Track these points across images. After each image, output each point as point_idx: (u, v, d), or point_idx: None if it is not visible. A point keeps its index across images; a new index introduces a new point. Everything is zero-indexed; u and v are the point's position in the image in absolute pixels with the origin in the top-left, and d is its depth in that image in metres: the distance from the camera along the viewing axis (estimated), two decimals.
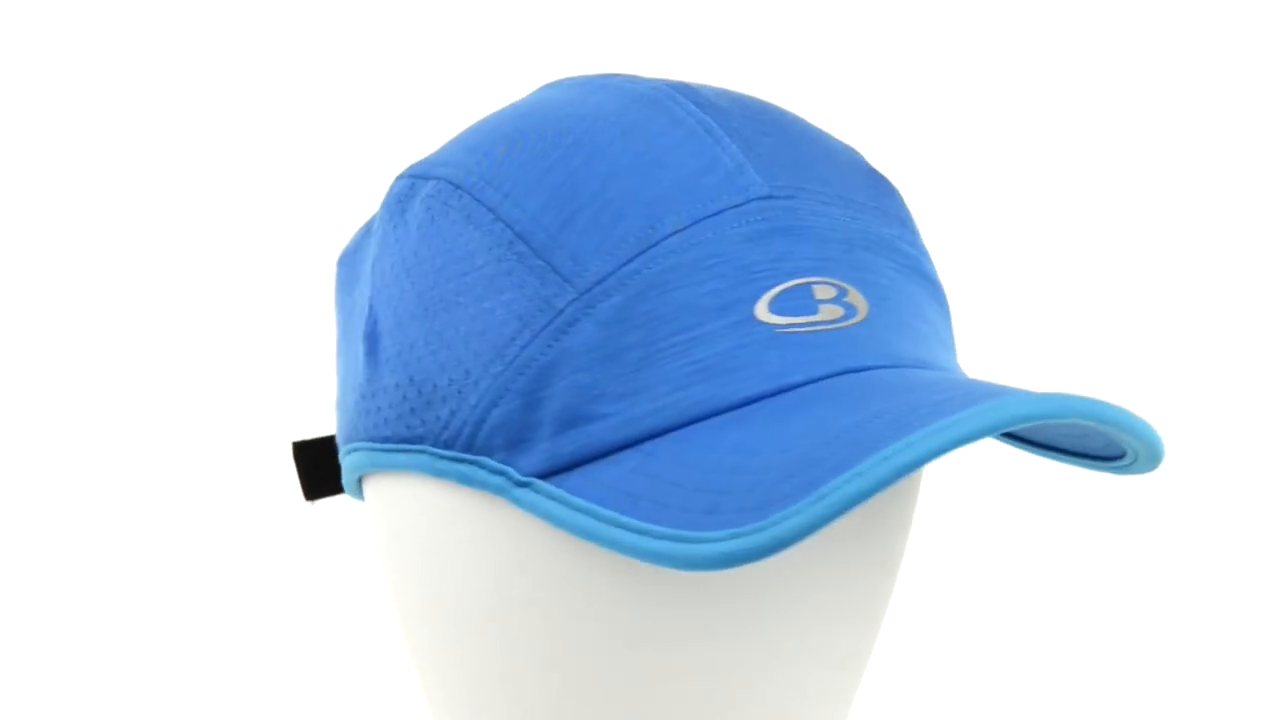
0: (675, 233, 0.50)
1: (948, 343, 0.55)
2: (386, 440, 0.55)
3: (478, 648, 0.55)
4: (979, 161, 1.17)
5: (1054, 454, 0.56)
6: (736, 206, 0.51)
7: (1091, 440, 0.53)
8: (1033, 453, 0.57)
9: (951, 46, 1.18)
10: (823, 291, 0.50)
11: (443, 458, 0.52)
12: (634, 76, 0.58)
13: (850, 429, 0.44)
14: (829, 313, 0.50)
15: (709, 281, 0.49)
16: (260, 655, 1.04)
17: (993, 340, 1.13)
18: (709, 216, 0.50)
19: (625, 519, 0.46)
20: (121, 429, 1.14)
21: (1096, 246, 1.17)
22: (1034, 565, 1.09)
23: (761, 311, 0.49)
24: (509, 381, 0.50)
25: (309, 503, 0.65)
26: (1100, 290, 1.17)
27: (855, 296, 0.50)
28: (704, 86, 0.57)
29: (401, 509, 0.56)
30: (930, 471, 0.62)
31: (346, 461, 0.59)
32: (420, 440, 0.53)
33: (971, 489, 1.05)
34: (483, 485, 0.51)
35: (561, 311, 0.50)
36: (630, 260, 0.50)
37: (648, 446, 0.48)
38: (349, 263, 0.62)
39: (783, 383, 0.49)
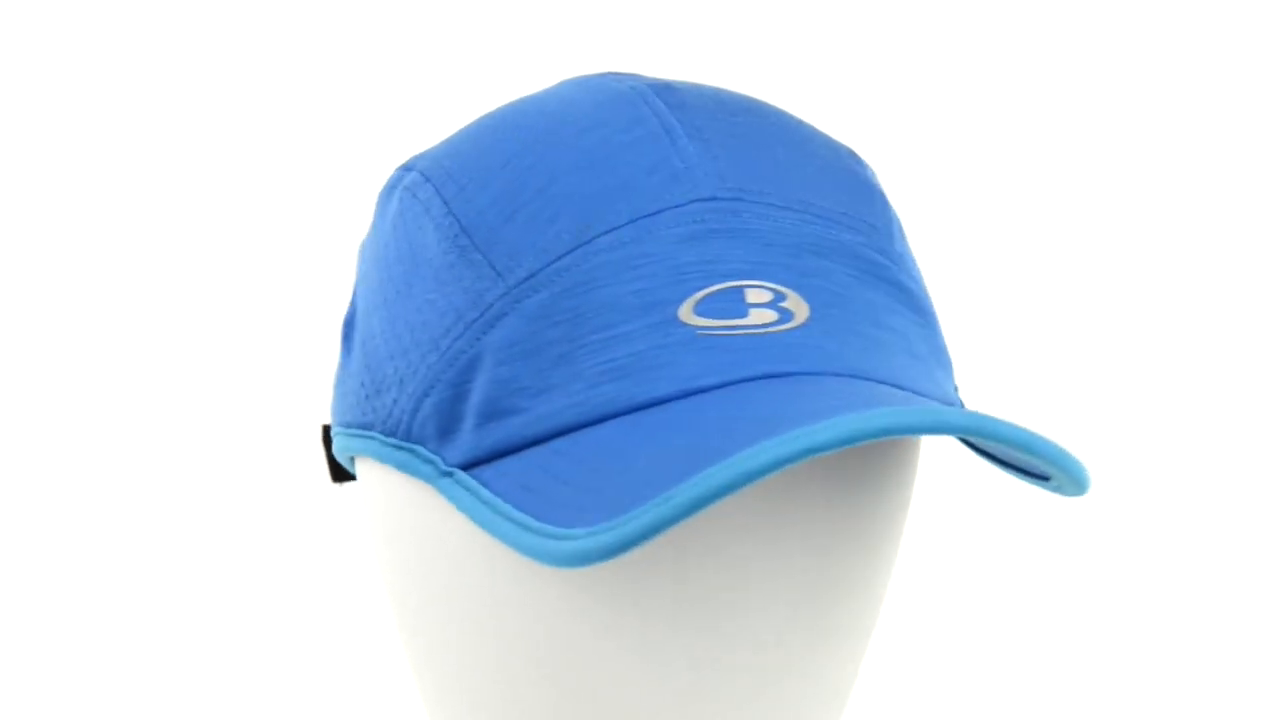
0: (608, 231, 0.50)
1: (924, 354, 0.53)
2: (350, 425, 0.57)
3: (436, 633, 0.56)
4: (981, 163, 1.17)
5: (1009, 470, 0.54)
6: (676, 207, 0.50)
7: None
8: (994, 466, 0.55)
9: (959, 47, 1.18)
10: (756, 295, 0.49)
11: (386, 444, 0.54)
12: (626, 75, 0.58)
13: (721, 433, 0.44)
14: (760, 316, 0.49)
15: (636, 281, 0.49)
16: (261, 651, 1.05)
17: (993, 341, 1.14)
18: (645, 216, 0.50)
19: (515, 513, 0.46)
20: (123, 425, 1.14)
21: (1095, 249, 1.18)
22: (1032, 565, 1.09)
23: (685, 313, 0.49)
24: (440, 372, 0.51)
25: (335, 484, 0.66)
26: (1100, 291, 1.17)
27: (795, 301, 0.50)
28: (690, 86, 0.57)
29: (367, 491, 0.58)
30: (927, 471, 0.62)
31: (334, 444, 0.61)
32: (371, 426, 0.55)
33: (970, 488, 1.05)
34: (416, 473, 0.52)
35: (491, 306, 0.50)
36: (561, 257, 0.50)
37: (556, 443, 0.48)
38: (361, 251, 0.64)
39: (694, 385, 0.48)
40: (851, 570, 0.54)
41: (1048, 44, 1.18)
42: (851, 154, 0.58)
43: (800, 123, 0.57)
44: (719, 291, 0.49)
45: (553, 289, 0.50)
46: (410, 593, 0.56)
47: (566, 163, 0.52)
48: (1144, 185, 1.18)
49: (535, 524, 0.45)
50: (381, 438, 0.54)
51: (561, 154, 0.53)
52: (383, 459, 0.54)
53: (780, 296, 0.49)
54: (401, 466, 0.53)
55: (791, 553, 0.52)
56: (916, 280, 0.54)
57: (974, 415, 0.43)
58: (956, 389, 0.57)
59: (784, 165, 0.53)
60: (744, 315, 0.49)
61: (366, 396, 0.55)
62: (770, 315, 0.49)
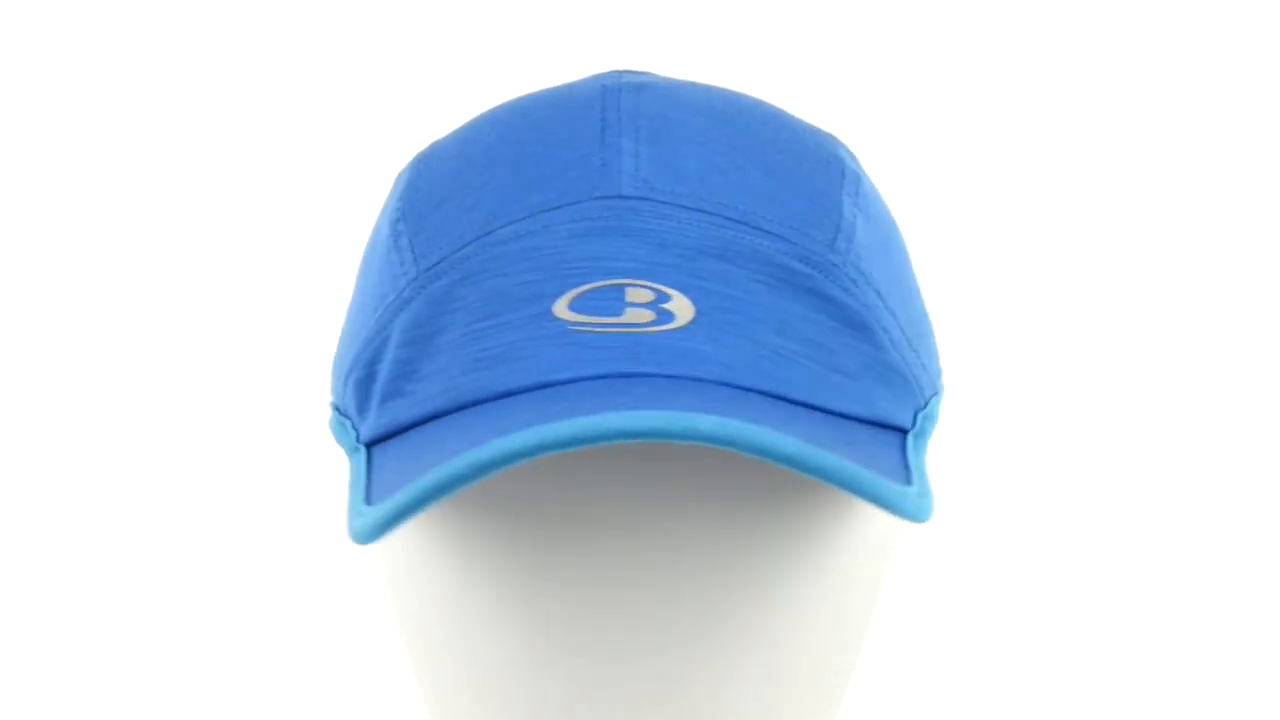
0: (511, 223, 0.51)
1: (854, 370, 0.51)
2: (331, 403, 0.59)
3: (399, 619, 0.58)
4: (982, 162, 1.17)
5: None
6: (579, 202, 0.50)
7: None
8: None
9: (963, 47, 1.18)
10: (637, 295, 0.49)
11: (334, 418, 0.57)
12: (628, 72, 0.58)
13: (502, 428, 0.44)
14: (636, 316, 0.49)
15: (525, 273, 0.50)
16: (263, 650, 1.05)
17: (993, 341, 1.14)
18: (549, 210, 0.50)
19: (360, 491, 0.49)
20: (124, 423, 1.14)
21: (1094, 249, 1.17)
22: (1031, 565, 1.09)
23: (560, 307, 0.49)
24: (359, 352, 0.54)
25: None
26: (1097, 292, 1.17)
27: (679, 303, 0.49)
28: (674, 86, 0.56)
29: None
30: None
31: None
32: (335, 405, 0.58)
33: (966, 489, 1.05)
34: (344, 446, 0.55)
35: (402, 291, 0.53)
36: (466, 245, 0.51)
37: (425, 426, 0.50)
38: None
39: (547, 379, 0.48)
40: (733, 616, 0.52)
41: (1047, 43, 1.18)
42: (826, 157, 0.55)
43: (779, 126, 0.56)
44: (599, 288, 0.49)
45: (452, 276, 0.51)
46: (376, 572, 0.59)
47: (503, 156, 0.53)
48: (1143, 185, 1.18)
49: (358, 504, 0.47)
50: (335, 412, 0.57)
51: (504, 148, 0.54)
52: (335, 436, 0.57)
53: (663, 297, 0.49)
54: (338, 440, 0.56)
55: (667, 578, 0.52)
56: (856, 292, 0.52)
57: (728, 424, 0.41)
58: (924, 411, 0.54)
59: (717, 168, 0.52)
60: (619, 314, 0.49)
61: (333, 376, 0.58)
62: (647, 315, 0.49)
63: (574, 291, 0.49)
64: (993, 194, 1.17)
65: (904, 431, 0.52)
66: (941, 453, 0.64)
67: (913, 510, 0.44)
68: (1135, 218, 1.17)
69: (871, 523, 0.55)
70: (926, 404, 0.55)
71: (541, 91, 0.58)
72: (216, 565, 1.09)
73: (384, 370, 0.53)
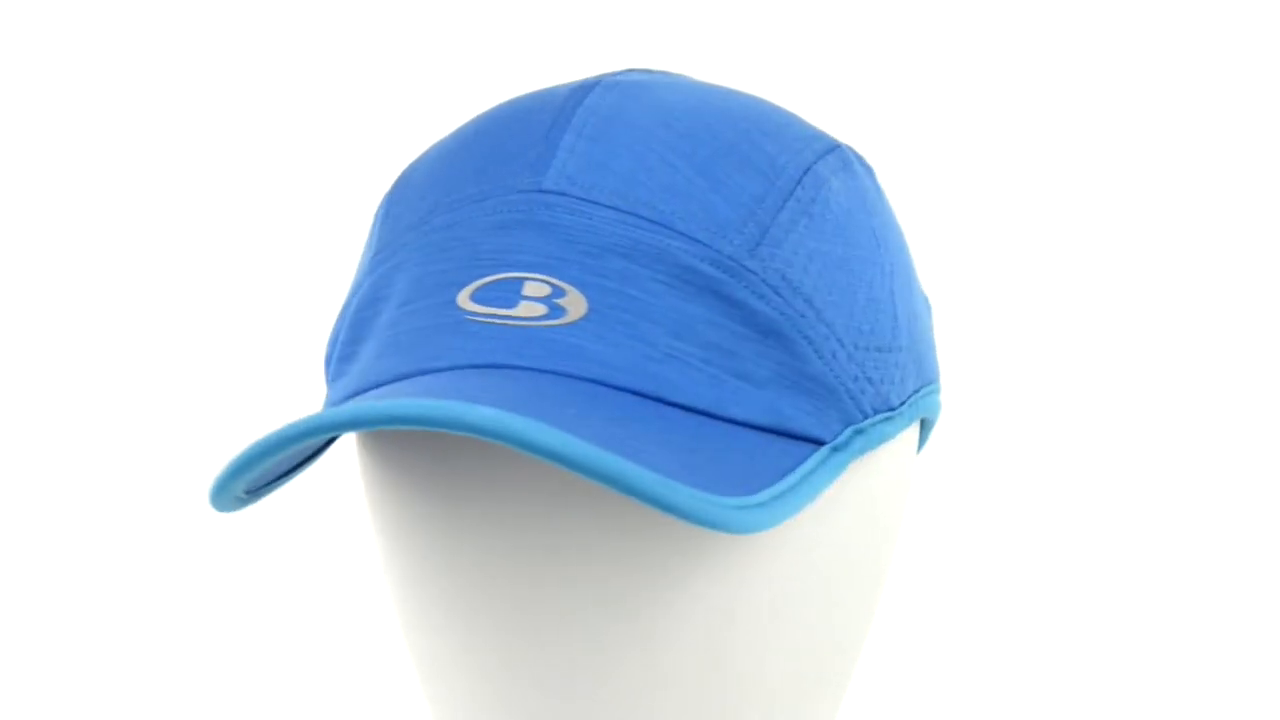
0: (445, 212, 0.52)
1: (761, 377, 0.50)
2: None
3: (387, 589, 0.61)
4: (982, 162, 1.17)
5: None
6: (503, 195, 0.51)
7: None
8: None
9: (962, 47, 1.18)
10: (534, 289, 0.49)
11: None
12: (617, 71, 0.59)
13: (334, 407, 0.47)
14: (528, 310, 0.49)
15: (442, 262, 0.51)
16: (271, 647, 1.05)
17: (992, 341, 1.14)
18: (477, 201, 0.52)
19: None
20: (126, 422, 1.15)
21: (1091, 250, 1.18)
22: (1030, 565, 1.09)
23: (463, 298, 0.50)
24: (334, 333, 0.57)
25: None
26: (1096, 293, 1.17)
27: (573, 299, 0.49)
28: (650, 84, 0.56)
29: None
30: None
31: None
32: None
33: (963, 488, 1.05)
34: None
35: (361, 278, 0.55)
36: (407, 232, 0.53)
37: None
38: None
39: (430, 365, 0.50)
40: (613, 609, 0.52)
41: (1046, 42, 1.18)
42: (780, 165, 0.54)
43: (746, 132, 0.54)
44: (499, 281, 0.50)
45: (392, 262, 0.53)
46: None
47: (465, 148, 0.55)
48: (1142, 184, 1.18)
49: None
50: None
51: (472, 141, 0.55)
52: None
53: (559, 293, 0.49)
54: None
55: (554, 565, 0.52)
56: (774, 300, 0.51)
57: (502, 419, 0.41)
58: (860, 426, 0.53)
59: (648, 167, 0.51)
60: (513, 306, 0.49)
61: None
62: (539, 309, 0.49)
63: (478, 283, 0.50)
64: (992, 195, 1.17)
65: (819, 443, 0.51)
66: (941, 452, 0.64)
67: (717, 520, 0.43)
68: (1132, 218, 1.17)
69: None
70: (868, 418, 0.53)
71: (534, 91, 0.59)
72: (219, 564, 1.09)
73: (338, 349, 0.56)
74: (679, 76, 0.60)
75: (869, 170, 0.59)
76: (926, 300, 0.61)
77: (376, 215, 0.57)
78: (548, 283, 0.49)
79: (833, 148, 0.57)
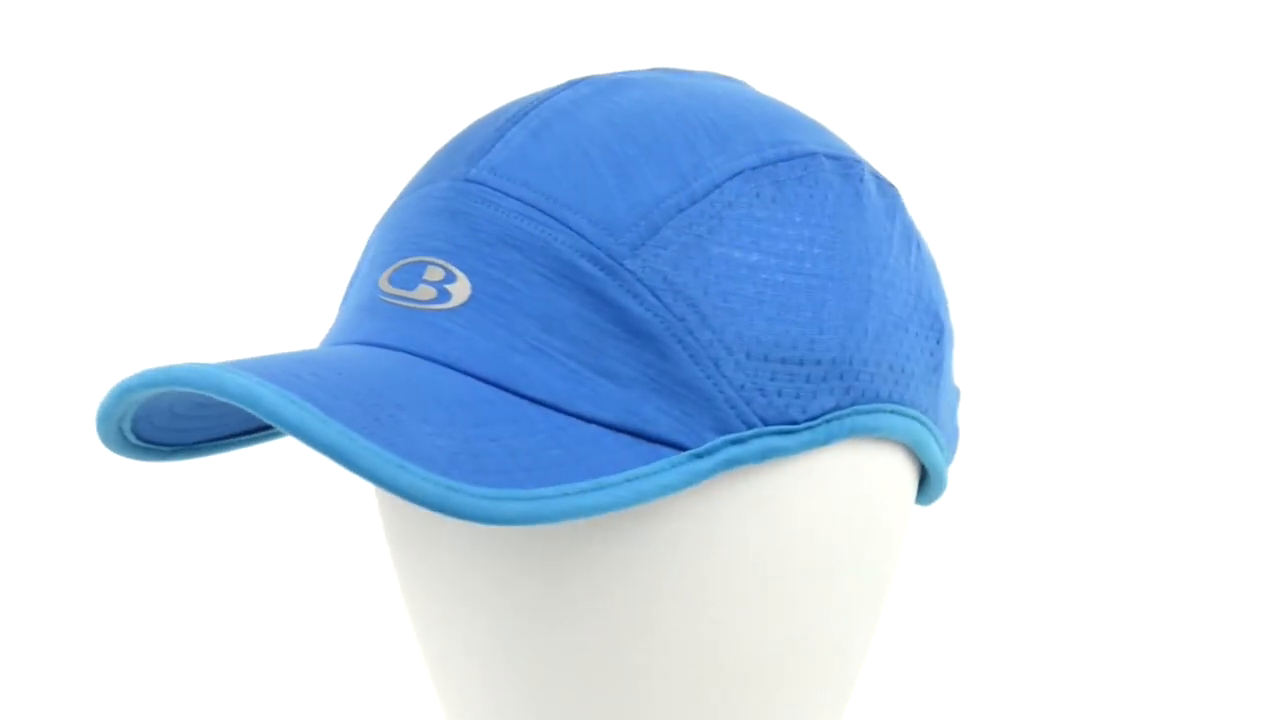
0: (404, 197, 0.56)
1: (625, 376, 0.51)
2: None
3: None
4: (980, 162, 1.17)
5: None
6: (439, 182, 0.55)
7: None
8: None
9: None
10: (433, 273, 0.52)
11: None
12: (620, 72, 0.60)
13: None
14: (423, 293, 0.52)
15: (385, 244, 0.55)
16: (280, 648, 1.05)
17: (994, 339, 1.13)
18: (422, 187, 0.55)
19: None
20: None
21: (1090, 249, 1.18)
22: (1029, 567, 1.09)
23: (384, 279, 0.54)
24: None
25: None
26: (1095, 293, 1.17)
27: (461, 285, 0.51)
28: (626, 83, 0.57)
29: None
30: None
31: None
32: None
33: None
34: None
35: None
36: (383, 213, 0.58)
37: None
38: None
39: (337, 340, 0.54)
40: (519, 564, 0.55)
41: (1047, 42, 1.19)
42: (704, 169, 0.53)
43: (689, 136, 0.54)
44: (409, 264, 0.53)
45: (368, 241, 0.58)
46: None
47: (450, 141, 0.58)
48: (1142, 184, 1.18)
49: None
50: None
51: (458, 134, 0.58)
52: None
53: (450, 278, 0.52)
54: None
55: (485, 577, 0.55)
56: (649, 301, 0.51)
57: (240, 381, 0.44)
58: (738, 437, 0.52)
59: (567, 161, 0.53)
60: (413, 289, 0.52)
61: None
62: (430, 293, 0.52)
63: (395, 265, 0.54)
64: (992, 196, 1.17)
65: (681, 448, 0.51)
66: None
67: (444, 503, 0.44)
68: (1129, 219, 1.18)
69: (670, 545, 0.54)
70: (753, 429, 0.52)
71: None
72: (224, 563, 1.09)
73: None
74: (697, 76, 0.60)
75: (869, 187, 0.58)
76: (933, 326, 0.59)
77: None
78: (444, 268, 0.52)
79: (795, 157, 0.56)
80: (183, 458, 0.57)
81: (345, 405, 0.45)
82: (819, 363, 0.53)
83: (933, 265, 0.61)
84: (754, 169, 0.54)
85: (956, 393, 0.64)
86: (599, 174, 0.52)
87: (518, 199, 0.52)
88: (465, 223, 0.52)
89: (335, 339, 0.55)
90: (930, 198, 0.82)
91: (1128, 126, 1.18)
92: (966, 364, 0.67)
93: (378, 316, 0.53)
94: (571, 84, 0.57)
